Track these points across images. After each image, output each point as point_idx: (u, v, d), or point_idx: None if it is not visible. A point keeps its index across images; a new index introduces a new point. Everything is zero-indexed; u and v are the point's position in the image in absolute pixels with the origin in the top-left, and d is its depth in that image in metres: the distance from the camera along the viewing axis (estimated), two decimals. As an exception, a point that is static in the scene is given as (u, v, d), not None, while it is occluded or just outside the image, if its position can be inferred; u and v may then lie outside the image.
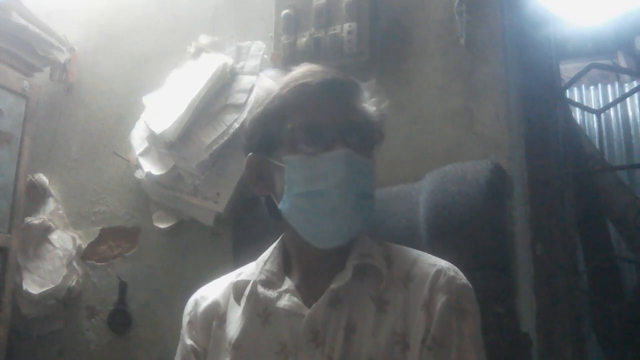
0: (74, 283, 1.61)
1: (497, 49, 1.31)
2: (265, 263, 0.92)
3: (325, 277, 0.85)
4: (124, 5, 1.80)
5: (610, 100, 2.96)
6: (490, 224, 1.06)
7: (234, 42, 1.58)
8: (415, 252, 0.90)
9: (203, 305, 0.93)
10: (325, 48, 1.41)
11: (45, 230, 1.65)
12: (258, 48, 1.54)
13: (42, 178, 1.72)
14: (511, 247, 1.16)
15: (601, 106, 2.94)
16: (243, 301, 0.90)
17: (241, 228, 1.35)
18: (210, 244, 1.51)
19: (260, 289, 0.88)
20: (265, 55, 1.53)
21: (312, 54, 1.42)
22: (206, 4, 1.68)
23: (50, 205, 1.69)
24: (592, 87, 3.07)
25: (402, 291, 0.83)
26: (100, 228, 1.66)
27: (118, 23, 1.80)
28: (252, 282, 0.90)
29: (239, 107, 1.46)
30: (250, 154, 0.91)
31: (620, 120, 2.92)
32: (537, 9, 1.44)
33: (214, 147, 1.43)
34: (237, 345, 0.86)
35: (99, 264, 1.63)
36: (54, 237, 1.65)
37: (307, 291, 0.86)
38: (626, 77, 3.08)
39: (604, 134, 2.89)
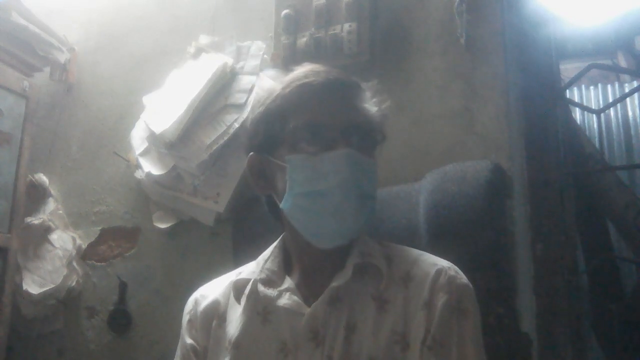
0: (74, 283, 1.61)
1: (497, 49, 1.30)
2: (265, 262, 0.92)
3: (325, 276, 0.85)
4: (124, 5, 1.80)
5: (610, 100, 2.96)
6: (490, 224, 1.06)
7: (234, 42, 1.58)
8: (416, 252, 0.90)
9: (203, 304, 0.94)
10: (325, 48, 1.41)
11: (45, 230, 1.65)
12: (258, 48, 1.54)
13: (42, 178, 1.72)
14: (511, 247, 1.16)
15: (601, 106, 2.94)
16: (243, 300, 0.90)
17: (241, 228, 1.35)
18: (210, 244, 1.51)
19: (261, 288, 0.88)
20: (265, 55, 1.53)
21: (312, 54, 1.42)
22: (206, 4, 1.68)
23: (50, 205, 1.69)
24: (592, 87, 3.07)
25: (402, 290, 0.83)
26: (100, 228, 1.66)
27: (118, 23, 1.80)
28: (252, 280, 0.90)
29: (239, 107, 1.46)
30: (252, 153, 0.91)
31: (620, 120, 2.92)
32: (537, 9, 1.44)
33: (214, 147, 1.43)
34: (237, 344, 0.86)
35: (99, 264, 1.63)
36: (54, 237, 1.65)
37: (308, 290, 0.86)
38: (626, 77, 3.08)
39: (604, 134, 2.89)
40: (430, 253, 0.90)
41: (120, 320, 1.55)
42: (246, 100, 1.46)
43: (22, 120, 1.62)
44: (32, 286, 1.57)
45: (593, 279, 1.95)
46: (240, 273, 0.94)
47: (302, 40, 1.44)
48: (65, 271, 1.60)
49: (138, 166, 1.57)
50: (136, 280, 1.57)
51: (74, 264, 1.63)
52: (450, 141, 1.30)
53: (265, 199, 0.94)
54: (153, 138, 1.52)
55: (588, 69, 1.61)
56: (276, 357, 0.82)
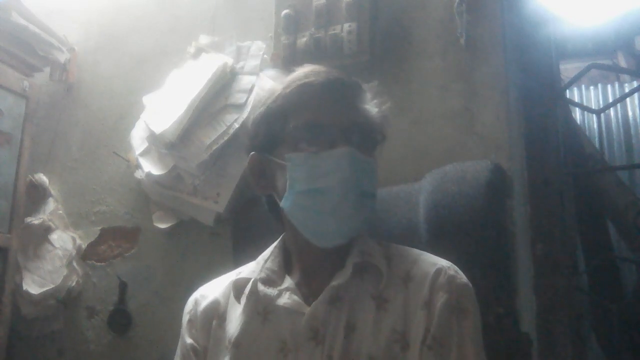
0: (74, 283, 1.61)
1: (497, 49, 1.30)
2: (265, 261, 0.92)
3: (325, 275, 0.86)
4: (124, 5, 1.80)
5: (610, 100, 2.96)
6: (490, 224, 1.06)
7: (234, 42, 1.58)
8: (416, 252, 0.90)
9: (203, 304, 0.94)
10: (325, 48, 1.41)
11: (45, 230, 1.65)
12: (258, 48, 1.54)
13: (42, 178, 1.72)
14: (511, 247, 1.16)
15: (601, 106, 2.94)
16: (243, 299, 0.90)
17: (241, 228, 1.35)
18: (210, 244, 1.51)
19: (261, 287, 0.88)
20: (265, 55, 1.53)
21: (312, 54, 1.42)
22: (206, 4, 1.68)
23: (50, 205, 1.69)
24: (592, 87, 3.07)
25: (402, 290, 0.83)
26: (100, 228, 1.66)
27: (118, 23, 1.80)
28: (252, 280, 0.90)
29: (239, 107, 1.46)
30: (253, 152, 0.92)
31: (620, 120, 2.92)
32: (537, 9, 1.44)
33: (214, 147, 1.43)
34: (237, 344, 0.86)
35: (99, 264, 1.63)
36: (54, 237, 1.65)
37: (308, 289, 0.87)
38: (626, 77, 3.08)
39: (604, 134, 2.89)
40: (430, 253, 0.90)
41: (120, 320, 1.55)
42: (246, 100, 1.46)
43: (22, 120, 1.62)
44: (32, 286, 1.57)
45: (593, 279, 1.95)
46: (240, 273, 0.95)
47: (302, 40, 1.44)
48: (65, 271, 1.60)
49: (138, 166, 1.57)
50: (136, 280, 1.57)
51: (74, 264, 1.63)
52: (450, 141, 1.30)
53: (265, 199, 0.95)
54: (153, 138, 1.52)
55: (588, 69, 1.61)
56: (276, 357, 0.82)
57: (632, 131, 2.89)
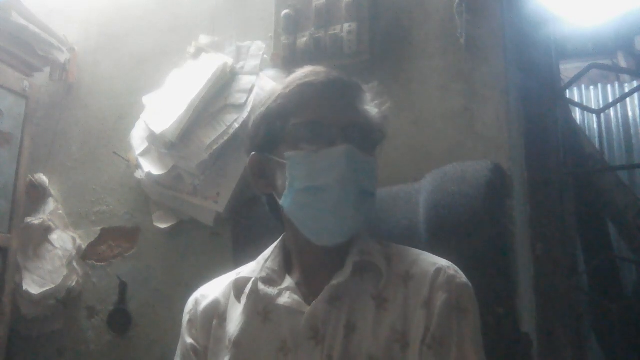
0: (74, 283, 1.61)
1: (497, 49, 1.30)
2: (266, 261, 0.93)
3: (325, 275, 0.86)
4: (124, 5, 1.80)
5: (610, 100, 2.96)
6: (490, 224, 1.06)
7: (234, 42, 1.58)
8: (416, 252, 0.90)
9: (203, 303, 0.94)
10: (325, 48, 1.41)
11: (45, 230, 1.65)
12: (258, 48, 1.54)
13: (42, 178, 1.72)
14: (511, 247, 1.16)
15: (601, 106, 2.94)
16: (243, 299, 0.90)
17: (241, 228, 1.35)
18: (210, 244, 1.51)
19: (261, 286, 0.88)
20: (265, 55, 1.53)
21: (312, 54, 1.42)
22: (206, 4, 1.68)
23: (50, 205, 1.69)
24: (592, 87, 3.07)
25: (402, 289, 0.83)
26: (100, 228, 1.66)
27: (118, 23, 1.80)
28: (252, 279, 0.90)
29: (239, 107, 1.46)
30: (253, 153, 0.92)
31: (620, 120, 2.92)
32: (537, 9, 1.44)
33: (214, 147, 1.43)
34: (237, 343, 0.86)
35: (99, 264, 1.63)
36: (54, 237, 1.64)
37: (308, 289, 0.87)
38: (626, 77, 3.08)
39: (604, 134, 2.89)
40: (430, 253, 0.90)
41: (120, 320, 1.55)
42: (246, 100, 1.46)
43: (22, 120, 1.62)
44: (32, 286, 1.57)
45: (593, 279, 1.95)
46: (240, 272, 0.95)
47: (302, 40, 1.44)
48: (65, 271, 1.60)
49: (138, 166, 1.57)
50: (136, 280, 1.57)
51: (74, 264, 1.63)
52: (450, 141, 1.30)
53: (266, 199, 0.95)
54: (153, 138, 1.52)
55: (588, 69, 1.61)
56: (276, 356, 0.83)
57: (632, 131, 2.89)
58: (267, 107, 0.90)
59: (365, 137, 0.87)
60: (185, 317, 0.95)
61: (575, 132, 1.90)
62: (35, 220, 1.64)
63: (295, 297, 0.85)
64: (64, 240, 1.65)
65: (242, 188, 1.44)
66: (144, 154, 1.56)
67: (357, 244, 0.88)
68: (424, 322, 0.80)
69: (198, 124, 1.47)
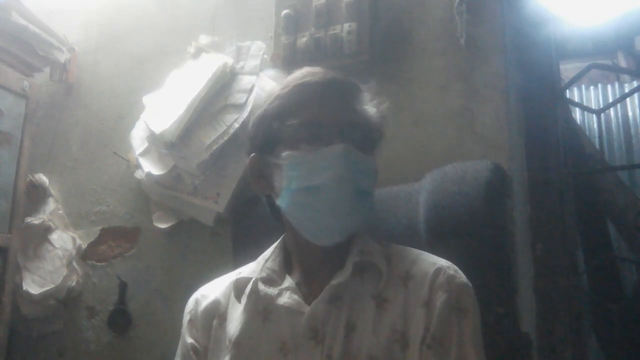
0: (74, 283, 1.61)
1: (497, 49, 1.30)
2: (266, 261, 0.93)
3: (325, 275, 0.86)
4: (124, 5, 1.80)
5: (610, 100, 2.96)
6: (490, 224, 1.06)
7: (234, 42, 1.58)
8: (416, 252, 0.90)
9: (204, 303, 0.94)
10: (325, 48, 1.41)
11: (45, 230, 1.65)
12: (258, 48, 1.54)
13: (42, 178, 1.72)
14: (511, 247, 1.16)
15: (601, 106, 2.94)
16: (244, 299, 0.90)
17: (241, 228, 1.35)
18: (210, 244, 1.51)
19: (261, 287, 0.88)
20: (265, 55, 1.53)
21: (312, 54, 1.42)
22: (206, 4, 1.68)
23: (50, 205, 1.69)
24: (592, 87, 3.07)
25: (402, 289, 0.83)
26: (100, 228, 1.66)
27: (118, 23, 1.80)
28: (253, 279, 0.90)
29: (239, 107, 1.46)
30: (253, 154, 0.92)
31: (620, 120, 2.92)
32: (537, 9, 1.44)
33: (214, 147, 1.43)
34: (237, 343, 0.86)
35: (99, 264, 1.63)
36: (54, 237, 1.65)
37: (308, 289, 0.87)
38: (626, 77, 3.08)
39: (604, 134, 2.89)
40: (430, 253, 0.90)
41: (120, 320, 1.55)
42: (246, 100, 1.46)
43: (22, 120, 1.62)
44: (32, 286, 1.57)
45: (593, 279, 1.95)
46: (240, 272, 0.95)
47: (302, 40, 1.44)
48: (65, 271, 1.60)
49: (138, 166, 1.57)
50: (136, 280, 1.57)
51: (74, 264, 1.63)
52: (450, 141, 1.30)
53: (266, 200, 0.95)
54: (153, 138, 1.52)
55: (588, 69, 1.61)
56: (276, 356, 0.83)
57: (632, 131, 2.89)
58: (264, 109, 0.90)
59: (363, 136, 0.87)
60: (186, 317, 0.95)
61: (575, 132, 1.90)
62: (35, 220, 1.64)
63: (295, 297, 0.85)
64: (64, 240, 1.65)
65: (242, 188, 1.44)
66: (144, 154, 1.56)
67: (357, 244, 0.88)
68: (423, 322, 0.80)
69: (198, 124, 1.47)
